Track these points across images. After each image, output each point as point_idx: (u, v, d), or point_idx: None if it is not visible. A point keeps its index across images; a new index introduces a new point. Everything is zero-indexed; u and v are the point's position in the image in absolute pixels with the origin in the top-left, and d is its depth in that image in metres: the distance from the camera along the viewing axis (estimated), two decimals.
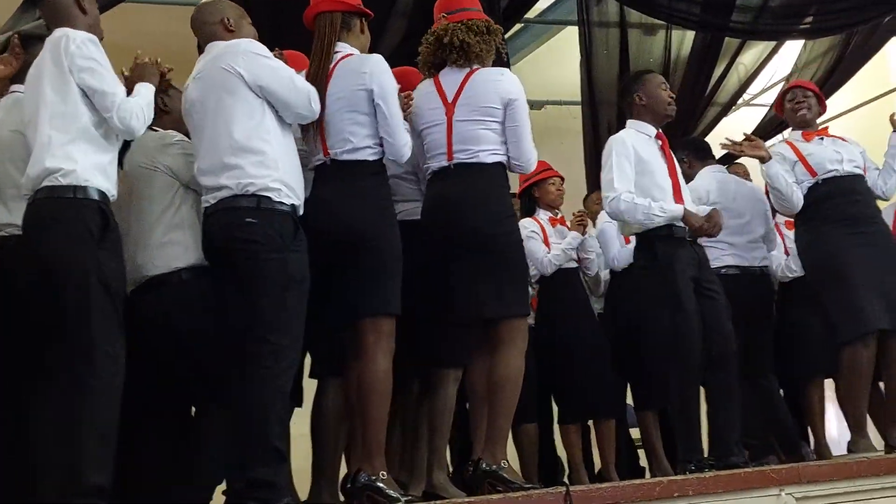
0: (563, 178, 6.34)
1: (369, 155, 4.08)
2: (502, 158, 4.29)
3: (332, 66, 4.10)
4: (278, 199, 3.77)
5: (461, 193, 4.23)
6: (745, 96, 8.97)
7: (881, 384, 5.56)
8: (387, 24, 6.04)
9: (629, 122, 5.14)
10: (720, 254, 5.71)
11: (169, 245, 4.04)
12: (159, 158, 4.12)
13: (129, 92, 3.81)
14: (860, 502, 4.48)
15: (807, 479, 4.37)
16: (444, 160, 4.29)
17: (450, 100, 4.31)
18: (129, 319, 3.72)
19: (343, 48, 4.15)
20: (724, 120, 8.02)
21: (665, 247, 4.91)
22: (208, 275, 3.94)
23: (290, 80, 3.89)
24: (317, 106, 3.95)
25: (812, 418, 6.22)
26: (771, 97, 8.88)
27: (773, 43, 7.99)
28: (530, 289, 6.06)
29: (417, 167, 4.53)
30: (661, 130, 5.14)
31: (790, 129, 5.81)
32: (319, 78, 4.07)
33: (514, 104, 4.25)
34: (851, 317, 5.14)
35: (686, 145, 6.11)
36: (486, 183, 4.24)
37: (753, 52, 8.02)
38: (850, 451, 5.26)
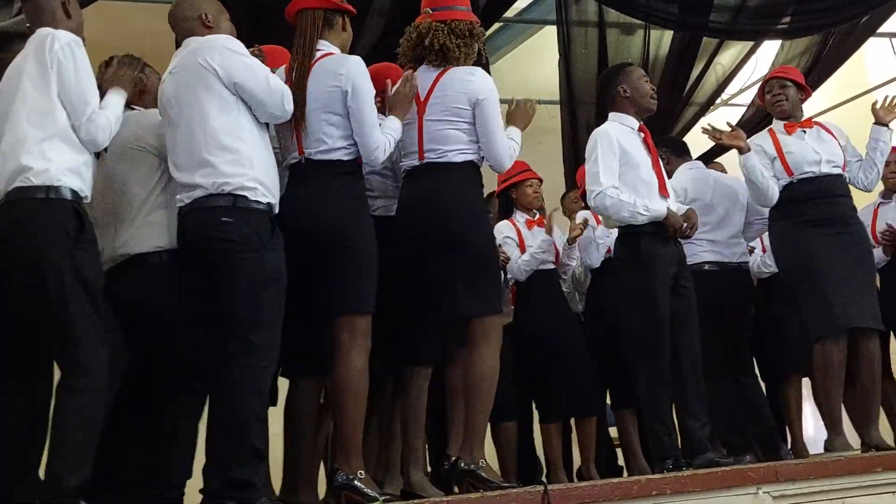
0: (541, 180, 6.35)
1: (343, 155, 4.08)
2: (473, 157, 4.29)
3: (311, 64, 4.09)
4: (254, 198, 3.76)
5: (431, 193, 4.25)
6: (723, 96, 8.98)
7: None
8: (364, 23, 6.02)
9: (611, 115, 5.13)
10: (699, 250, 5.72)
11: (151, 225, 4.03)
12: (146, 138, 4.11)
13: (102, 94, 3.82)
14: (836, 501, 4.49)
15: (784, 478, 4.38)
16: (415, 159, 4.32)
17: (422, 98, 4.31)
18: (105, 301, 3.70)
19: (324, 46, 4.15)
20: (702, 119, 8.03)
21: (648, 244, 4.92)
22: None
23: (264, 79, 3.87)
24: (289, 106, 3.95)
25: (789, 417, 6.24)
26: (748, 97, 8.92)
27: (750, 43, 8.00)
28: (506, 287, 6.10)
29: (396, 163, 4.53)
30: (643, 123, 5.14)
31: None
32: (300, 76, 4.06)
33: (482, 104, 4.25)
34: (822, 315, 5.17)
35: (663, 143, 6.12)
36: (456, 182, 4.26)
37: (731, 52, 8.04)
38: (826, 449, 5.28)
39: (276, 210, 3.89)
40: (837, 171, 5.40)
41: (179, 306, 3.87)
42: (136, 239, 4.02)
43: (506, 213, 6.29)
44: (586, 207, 6.31)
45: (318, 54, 4.11)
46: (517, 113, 4.55)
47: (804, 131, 5.47)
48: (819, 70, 7.99)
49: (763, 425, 5.98)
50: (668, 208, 4.92)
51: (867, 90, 10.99)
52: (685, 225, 4.95)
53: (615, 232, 5.68)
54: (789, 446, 6.16)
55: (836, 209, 5.33)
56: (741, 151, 5.37)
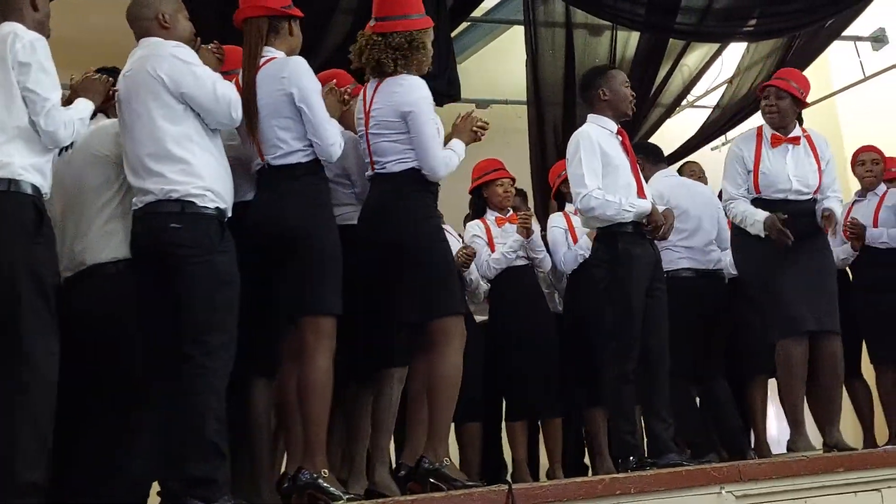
0: (513, 179, 6.37)
1: (301, 157, 4.11)
2: (413, 163, 4.31)
3: (256, 71, 4.10)
4: (202, 204, 3.78)
5: (376, 202, 4.33)
6: (689, 97, 9.03)
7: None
8: (331, 22, 6.01)
9: (590, 117, 5.16)
10: (676, 257, 5.76)
11: (109, 235, 4.02)
12: (107, 146, 4.10)
13: (71, 100, 3.81)
14: (798, 500, 4.53)
15: (747, 478, 4.41)
16: (370, 170, 4.39)
17: (367, 110, 4.37)
18: (61, 310, 3.69)
19: (268, 52, 4.15)
20: (668, 121, 8.09)
21: (626, 244, 4.95)
22: None
23: (211, 89, 3.88)
24: (237, 114, 3.95)
25: (754, 417, 6.29)
26: (714, 99, 8.98)
27: (716, 45, 8.05)
28: (483, 285, 6.11)
29: (349, 171, 4.56)
30: (621, 126, 5.17)
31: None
32: (248, 85, 4.08)
33: (410, 116, 4.27)
34: (782, 318, 5.23)
35: (640, 149, 6.15)
36: (397, 190, 4.30)
37: (697, 54, 8.08)
38: (789, 449, 5.33)
39: (229, 214, 3.91)
40: (807, 195, 5.41)
41: (134, 316, 3.86)
42: (93, 248, 4.02)
43: (478, 213, 6.31)
44: (560, 208, 6.36)
45: (262, 60, 4.12)
46: (462, 126, 4.55)
47: (788, 148, 5.45)
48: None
49: (728, 426, 6.02)
50: (653, 204, 4.96)
51: (831, 93, 11.08)
52: (665, 226, 4.99)
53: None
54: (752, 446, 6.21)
55: (800, 227, 5.31)
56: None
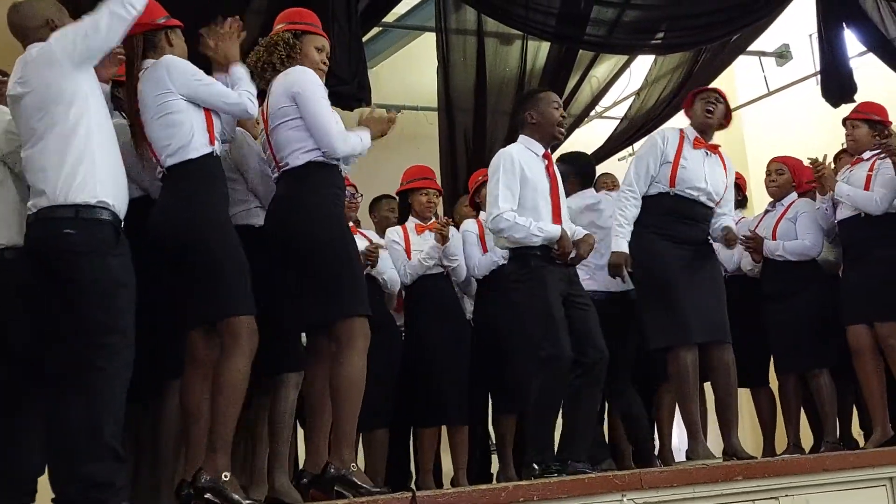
0: (440, 190, 6.44)
1: (192, 152, 4.07)
2: (311, 156, 4.29)
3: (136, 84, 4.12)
4: (97, 209, 3.72)
5: (279, 200, 4.32)
6: (598, 108, 9.12)
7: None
8: (243, 24, 5.93)
9: (520, 138, 5.23)
10: (585, 277, 5.81)
11: None
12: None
13: None
14: None
15: (648, 485, 4.45)
16: (276, 170, 4.39)
17: (265, 112, 4.39)
18: None
19: (147, 64, 4.13)
20: (577, 131, 8.16)
21: (538, 262, 5.00)
22: None
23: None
24: None
25: (660, 424, 6.36)
26: (622, 110, 9.09)
27: (625, 57, 8.15)
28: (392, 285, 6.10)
29: (243, 168, 4.56)
30: (548, 150, 5.23)
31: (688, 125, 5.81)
32: (129, 97, 4.11)
33: (300, 97, 4.28)
34: (673, 326, 5.32)
35: (573, 166, 6.23)
36: (297, 188, 4.29)
37: (606, 66, 8.17)
38: (688, 457, 5.39)
39: (122, 217, 3.85)
40: (712, 204, 5.59)
41: (20, 305, 3.83)
42: None
43: (402, 219, 6.33)
44: (476, 213, 6.39)
45: (143, 71, 4.13)
46: (371, 119, 4.55)
47: (707, 154, 5.60)
48: (690, 86, 8.13)
49: (639, 434, 6.09)
50: (562, 230, 5.01)
51: (736, 106, 11.27)
52: (574, 252, 5.05)
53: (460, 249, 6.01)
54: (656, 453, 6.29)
55: (696, 234, 5.52)
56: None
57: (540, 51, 7.67)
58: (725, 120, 5.77)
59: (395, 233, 6.23)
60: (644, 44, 7.98)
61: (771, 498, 4.77)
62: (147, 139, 4.08)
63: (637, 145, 8.44)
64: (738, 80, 11.31)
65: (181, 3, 4.32)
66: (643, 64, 8.65)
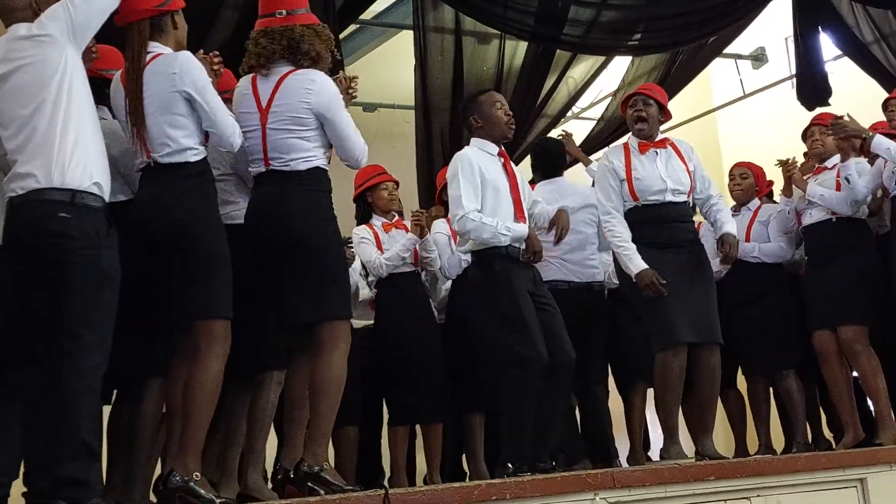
0: (396, 183, 6.36)
1: (191, 156, 4.04)
2: (319, 162, 4.28)
3: (143, 68, 4.03)
4: (92, 195, 3.66)
5: (275, 198, 4.25)
6: (574, 109, 9.14)
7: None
8: (217, 17, 5.93)
9: (472, 140, 5.24)
10: (551, 268, 5.83)
11: None
12: None
13: None
14: None
15: (620, 484, 4.46)
16: (262, 166, 4.31)
17: (264, 105, 4.29)
18: None
19: (154, 48, 4.08)
20: (553, 132, 8.16)
21: (502, 264, 5.01)
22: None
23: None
24: None
25: (630, 424, 6.37)
26: (599, 111, 9.11)
27: (602, 58, 8.16)
28: (369, 291, 6.08)
29: (236, 167, 4.53)
30: (503, 148, 5.23)
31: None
32: (133, 82, 4.01)
33: (327, 115, 4.25)
34: (661, 328, 5.29)
35: (540, 162, 6.25)
36: (300, 188, 4.24)
37: (583, 66, 8.17)
38: (661, 457, 5.41)
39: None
40: (682, 198, 5.52)
41: None
42: None
43: (364, 219, 6.29)
44: (446, 213, 6.38)
45: (149, 56, 4.05)
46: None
47: (657, 152, 5.55)
48: (667, 87, 8.15)
49: (600, 436, 6.11)
50: (530, 228, 5.03)
51: (712, 109, 11.34)
52: (559, 232, 5.11)
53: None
54: (627, 453, 6.31)
55: (679, 234, 5.46)
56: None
57: (518, 50, 7.68)
58: (665, 116, 5.73)
59: (363, 231, 6.19)
60: (621, 45, 8.00)
61: (743, 498, 4.78)
62: (143, 131, 4.01)
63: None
64: (714, 82, 11.37)
65: None
66: (620, 65, 8.66)
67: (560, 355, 4.99)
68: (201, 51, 4.26)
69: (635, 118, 5.60)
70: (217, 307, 3.95)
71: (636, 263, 5.30)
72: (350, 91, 4.48)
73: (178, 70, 4.00)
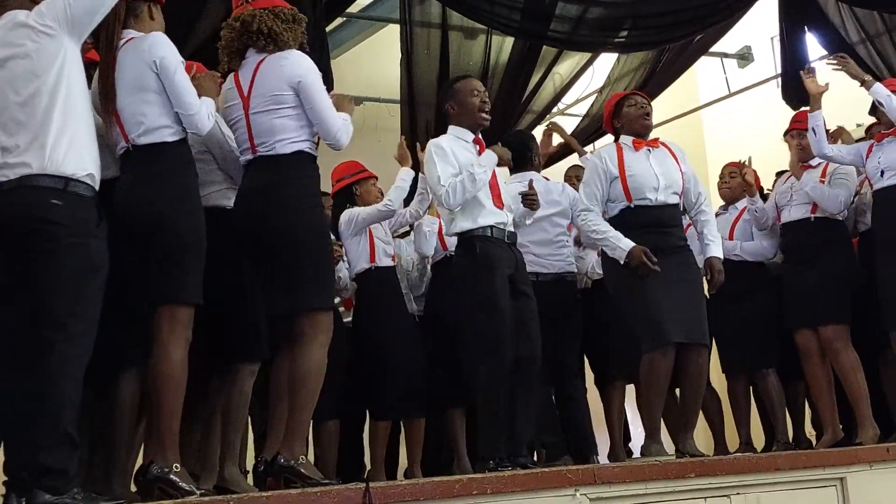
0: (376, 178, 6.39)
1: (168, 136, 4.02)
2: (303, 146, 4.26)
3: (116, 52, 4.02)
4: (84, 184, 3.64)
5: (260, 186, 4.23)
6: (560, 105, 9.14)
7: (676, 392, 5.76)
8: (205, 8, 5.91)
9: (449, 128, 5.25)
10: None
11: None
12: None
13: None
14: None
15: (601, 481, 4.45)
16: (249, 154, 4.30)
17: (245, 93, 4.29)
18: None
19: (128, 34, 4.07)
20: (539, 128, 8.16)
21: (485, 247, 5.02)
22: None
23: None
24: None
25: (609, 421, 6.38)
26: (584, 107, 9.11)
27: (588, 55, 8.16)
28: (349, 285, 6.08)
29: (214, 147, 4.49)
30: (479, 135, 5.24)
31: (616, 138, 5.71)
32: (106, 66, 4.00)
33: (303, 84, 4.23)
34: (650, 329, 5.26)
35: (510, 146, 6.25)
36: (284, 174, 4.22)
37: (569, 63, 8.18)
38: (642, 454, 5.41)
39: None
40: (675, 199, 5.46)
41: None
42: None
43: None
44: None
45: (123, 42, 4.04)
46: (338, 102, 4.49)
47: (650, 150, 5.51)
48: (652, 85, 8.21)
49: (579, 431, 6.11)
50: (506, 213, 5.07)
51: (697, 107, 11.37)
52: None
53: (437, 220, 5.97)
54: (608, 450, 6.32)
55: (669, 239, 5.39)
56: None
57: (504, 46, 7.68)
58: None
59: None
60: (607, 42, 7.99)
61: (723, 496, 4.79)
62: (116, 113, 3.99)
63: (599, 143, 8.46)
64: (699, 80, 11.39)
65: None
66: (606, 62, 8.67)
67: (524, 346, 5.00)
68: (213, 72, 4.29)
69: (643, 114, 5.56)
70: (184, 292, 3.93)
71: (624, 243, 5.24)
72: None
73: (147, 47, 3.99)
